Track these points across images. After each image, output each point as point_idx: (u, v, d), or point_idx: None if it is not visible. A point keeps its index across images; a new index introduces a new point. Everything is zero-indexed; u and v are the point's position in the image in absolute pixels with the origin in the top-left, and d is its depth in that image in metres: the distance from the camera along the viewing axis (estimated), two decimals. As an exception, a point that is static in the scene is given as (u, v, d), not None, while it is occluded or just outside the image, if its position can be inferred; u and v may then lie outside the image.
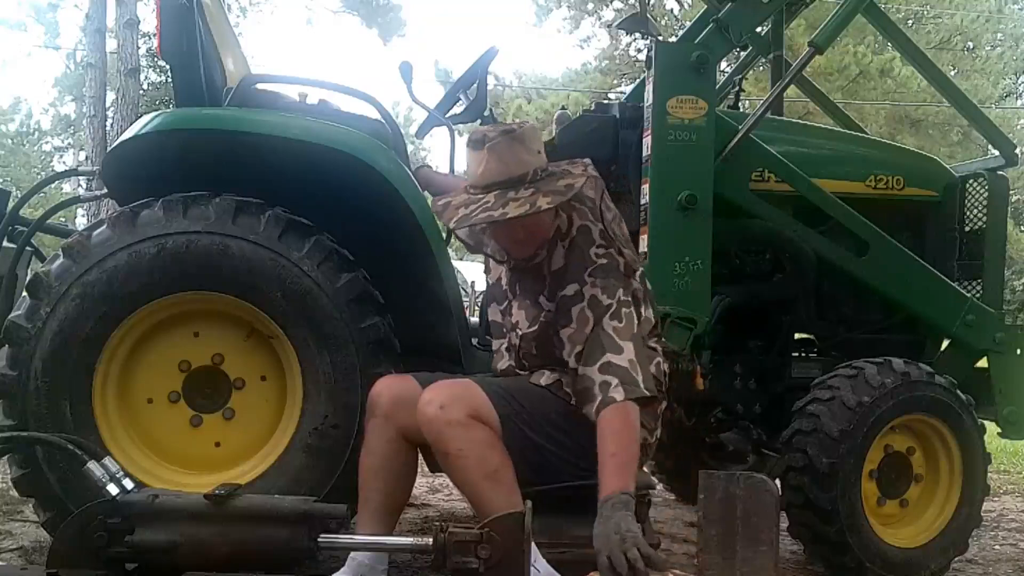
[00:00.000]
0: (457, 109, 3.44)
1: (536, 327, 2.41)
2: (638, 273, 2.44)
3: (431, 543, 2.01)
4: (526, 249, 2.38)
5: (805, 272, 3.31)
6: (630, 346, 2.22)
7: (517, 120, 2.85)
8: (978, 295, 3.45)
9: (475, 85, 3.31)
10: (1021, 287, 20.16)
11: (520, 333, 2.46)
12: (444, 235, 3.04)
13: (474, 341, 2.94)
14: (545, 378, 2.37)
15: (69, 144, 32.99)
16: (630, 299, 2.30)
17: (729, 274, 3.34)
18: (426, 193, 3.00)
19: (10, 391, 2.58)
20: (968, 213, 3.53)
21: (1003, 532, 4.15)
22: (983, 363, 3.45)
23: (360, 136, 2.83)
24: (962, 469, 3.13)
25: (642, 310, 2.40)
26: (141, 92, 15.73)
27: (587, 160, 2.42)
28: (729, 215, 3.17)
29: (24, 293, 2.66)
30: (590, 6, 25.54)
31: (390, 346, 2.72)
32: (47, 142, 36.08)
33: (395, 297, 2.87)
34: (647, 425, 2.40)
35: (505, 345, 2.54)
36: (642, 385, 2.18)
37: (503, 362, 2.55)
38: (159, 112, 2.87)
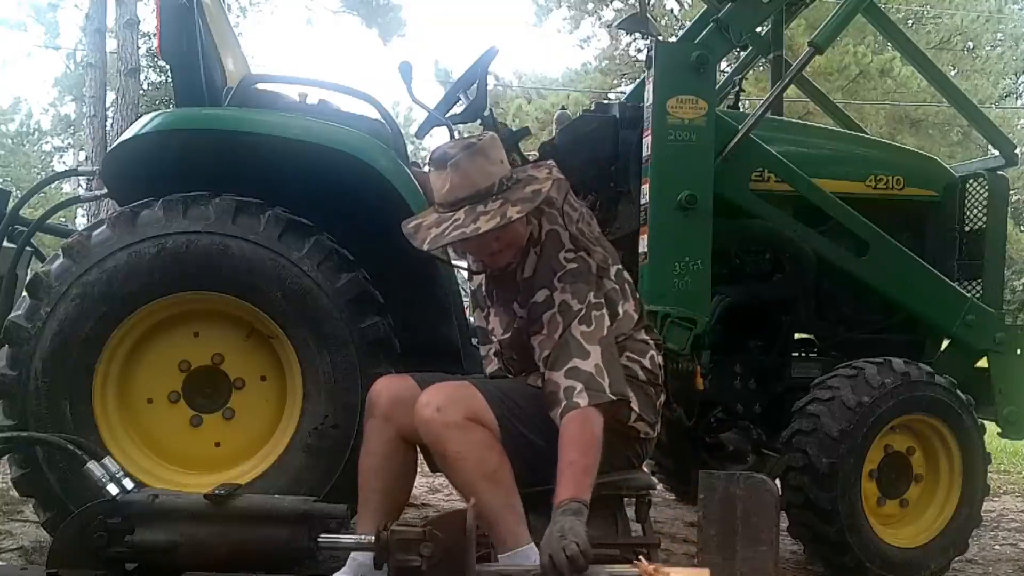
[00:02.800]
0: (457, 109, 3.43)
1: (510, 334, 2.42)
2: (612, 271, 2.43)
3: (373, 540, 2.01)
4: (502, 259, 2.38)
5: (805, 272, 3.31)
6: (597, 351, 2.21)
7: (486, 129, 2.83)
8: (978, 295, 3.45)
9: (475, 85, 3.31)
10: (1021, 287, 20.15)
11: (496, 339, 2.48)
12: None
13: (473, 341, 2.94)
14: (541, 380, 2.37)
15: (69, 144, 32.98)
16: (601, 301, 2.30)
17: (729, 274, 3.34)
18: None
19: (10, 391, 2.59)
20: (968, 213, 3.54)
21: (1003, 532, 4.15)
22: (983, 363, 3.45)
23: (360, 136, 2.83)
24: (962, 469, 3.13)
25: (619, 307, 2.40)
26: (141, 92, 15.72)
27: (551, 162, 2.41)
28: (729, 215, 3.17)
29: (24, 293, 2.66)
30: (590, 6, 25.53)
31: (390, 346, 2.72)
32: (47, 142, 36.07)
33: (395, 297, 2.87)
34: (647, 419, 2.40)
35: (493, 350, 2.55)
36: (608, 391, 2.18)
37: (492, 366, 2.56)
38: (159, 112, 2.88)
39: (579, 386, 2.16)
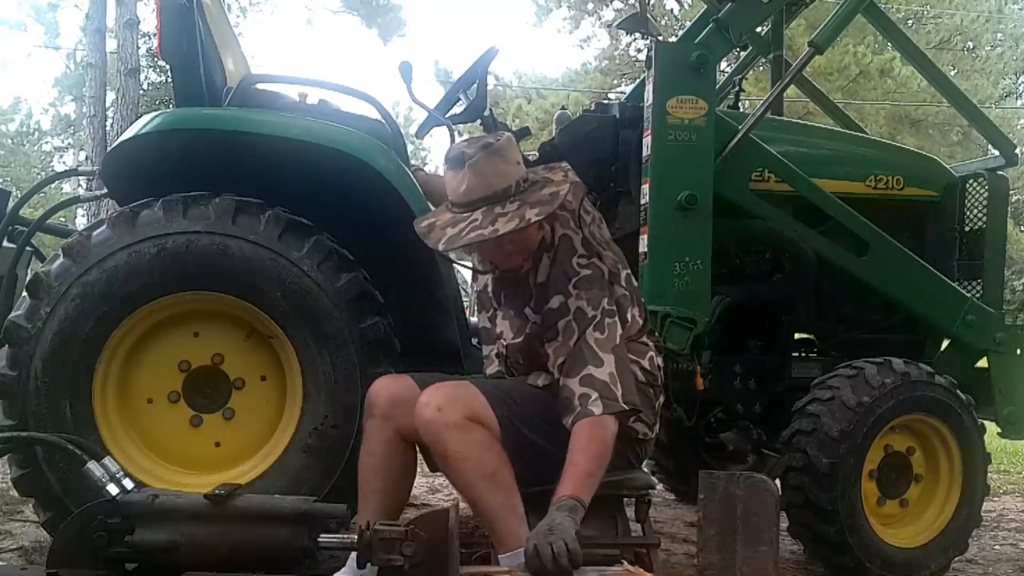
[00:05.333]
0: (457, 109, 3.43)
1: (521, 339, 2.42)
2: (622, 276, 2.43)
3: (356, 539, 2.01)
4: (513, 261, 2.38)
5: (805, 272, 3.31)
6: (611, 358, 2.22)
7: (486, 129, 2.82)
8: (978, 295, 3.45)
9: (475, 85, 3.31)
10: (1021, 287, 20.15)
11: (505, 343, 2.47)
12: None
13: (473, 341, 2.94)
14: (542, 379, 2.37)
15: (69, 144, 32.97)
16: (614, 308, 2.30)
17: (729, 274, 3.34)
18: None
19: (10, 391, 2.58)
20: (968, 213, 3.54)
21: (1003, 532, 4.15)
22: (983, 363, 3.45)
23: (360, 136, 2.83)
24: (962, 469, 3.13)
25: (628, 313, 2.40)
26: (141, 92, 15.73)
27: (565, 165, 2.40)
28: (729, 215, 3.17)
29: (24, 293, 2.66)
30: (590, 6, 25.53)
31: (390, 346, 2.72)
32: (47, 142, 36.07)
33: (395, 297, 2.87)
34: (645, 420, 2.41)
35: (495, 351, 2.54)
36: (621, 400, 2.19)
37: (493, 367, 2.55)
38: (159, 112, 2.88)
39: (594, 394, 2.17)
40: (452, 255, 2.52)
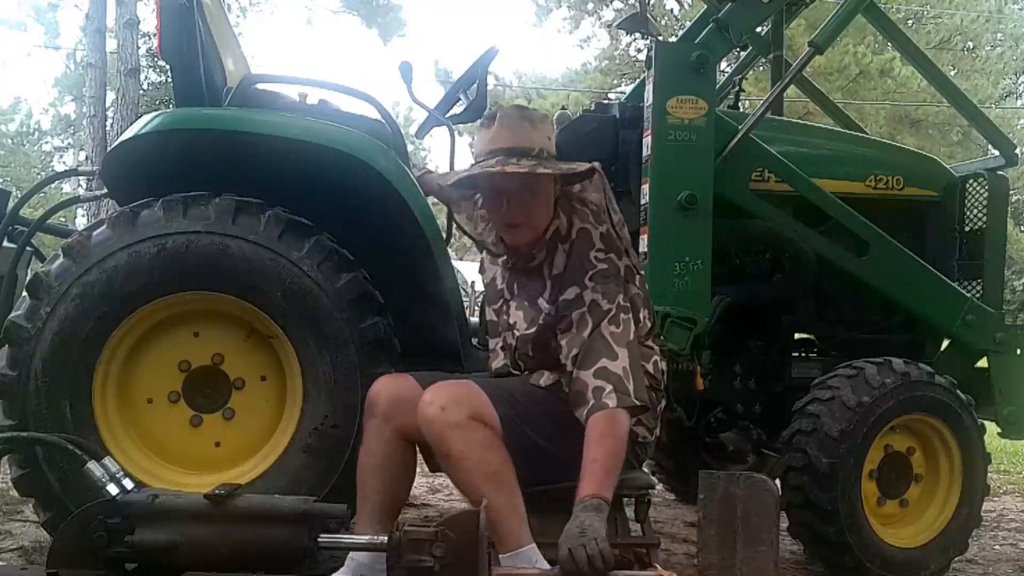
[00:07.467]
0: (457, 109, 3.43)
1: (534, 329, 2.41)
2: (638, 277, 2.44)
3: (386, 541, 2.01)
4: (521, 235, 2.38)
5: (805, 272, 3.31)
6: (625, 353, 2.23)
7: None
8: (978, 295, 3.45)
9: (475, 85, 3.31)
10: (1021, 287, 20.17)
11: (517, 334, 2.47)
12: (444, 235, 3.04)
13: (473, 341, 2.94)
14: (545, 379, 2.38)
15: (69, 144, 32.98)
16: (628, 305, 2.31)
17: (729, 274, 3.34)
18: (431, 198, 3.00)
19: (10, 391, 2.58)
20: (968, 213, 3.54)
21: (1003, 532, 4.15)
22: (983, 363, 3.45)
23: (360, 136, 2.83)
24: (962, 469, 3.13)
25: (640, 314, 2.41)
26: (141, 92, 15.73)
27: (596, 163, 2.43)
28: (729, 215, 3.17)
29: (24, 293, 2.66)
30: (590, 6, 25.54)
31: (390, 346, 2.72)
32: (47, 142, 36.10)
33: (395, 297, 2.87)
34: (646, 423, 2.41)
35: (501, 344, 2.54)
36: (633, 395, 2.19)
37: (498, 361, 2.55)
38: (159, 112, 2.87)
39: (608, 387, 2.18)
40: (467, 228, 2.55)
